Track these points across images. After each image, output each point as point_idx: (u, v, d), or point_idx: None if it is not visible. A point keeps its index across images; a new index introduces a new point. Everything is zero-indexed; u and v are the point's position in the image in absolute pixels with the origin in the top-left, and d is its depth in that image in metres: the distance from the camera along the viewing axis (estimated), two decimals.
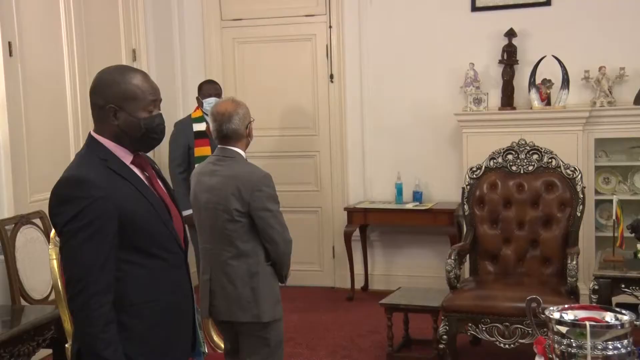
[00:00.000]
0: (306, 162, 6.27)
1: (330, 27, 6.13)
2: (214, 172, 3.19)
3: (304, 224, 6.17)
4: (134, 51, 5.77)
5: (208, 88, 5.23)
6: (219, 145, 3.26)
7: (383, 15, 5.98)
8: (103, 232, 2.06)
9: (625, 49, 5.32)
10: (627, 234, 4.24)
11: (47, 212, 2.20)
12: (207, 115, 4.94)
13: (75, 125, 5.02)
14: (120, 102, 2.15)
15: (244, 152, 3.26)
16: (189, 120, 5.23)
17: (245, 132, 3.22)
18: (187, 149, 5.11)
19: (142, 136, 2.20)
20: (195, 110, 5.28)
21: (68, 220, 2.05)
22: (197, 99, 5.27)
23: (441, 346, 4.20)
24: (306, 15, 6.18)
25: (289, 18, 6.18)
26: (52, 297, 4.07)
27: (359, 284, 6.12)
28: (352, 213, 5.91)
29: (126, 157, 2.20)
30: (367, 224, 6.04)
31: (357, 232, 6.01)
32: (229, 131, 3.17)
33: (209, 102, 5.01)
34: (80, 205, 2.04)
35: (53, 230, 3.02)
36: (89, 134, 2.22)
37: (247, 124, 3.22)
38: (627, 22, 5.35)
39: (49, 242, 2.86)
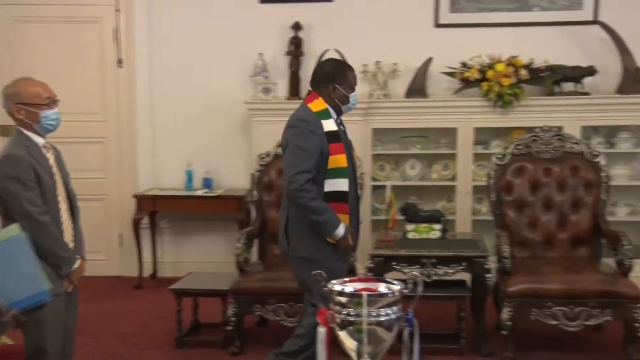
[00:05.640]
0: (94, 148, 6.10)
1: (117, 10, 5.99)
2: None
3: (90, 212, 5.94)
4: None
5: (353, 76, 3.64)
6: None
7: (173, 2, 5.98)
8: None
9: (398, 46, 5.77)
10: (398, 216, 4.65)
11: None
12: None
13: None
14: None
15: (28, 130, 3.20)
16: (313, 115, 3.51)
17: (13, 112, 3.18)
18: (322, 156, 3.48)
19: None
20: (314, 99, 3.57)
21: None
22: (334, 87, 3.56)
23: (229, 328, 4.35)
24: None
25: None
26: None
27: (147, 271, 6.09)
28: (142, 200, 5.86)
29: None
30: (156, 211, 6.02)
31: (146, 220, 5.97)
32: None
33: (355, 98, 3.65)
34: None
35: None
36: None
37: (10, 105, 3.18)
38: (400, 21, 5.80)
39: None
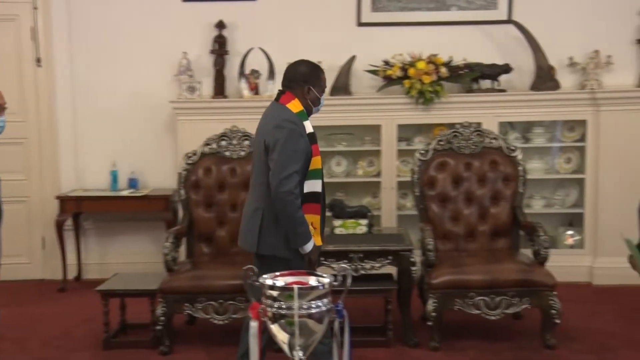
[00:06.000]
0: (13, 149, 5.93)
1: (35, 8, 5.85)
2: None
3: (11, 214, 5.75)
4: None
5: (324, 78, 3.64)
6: None
7: (93, 0, 5.89)
8: None
9: (322, 45, 5.81)
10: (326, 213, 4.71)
11: None
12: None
13: None
14: None
15: None
16: (296, 116, 3.46)
17: None
18: (307, 158, 3.45)
19: None
20: (291, 100, 3.50)
21: None
22: (309, 88, 3.52)
23: (158, 328, 4.33)
24: None
25: None
26: None
27: (71, 274, 5.98)
28: (65, 201, 5.75)
29: None
30: (80, 212, 5.92)
31: (70, 221, 5.87)
32: None
33: (323, 100, 3.65)
34: None
35: None
36: None
37: None
38: (323, 20, 5.88)
39: None
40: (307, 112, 3.53)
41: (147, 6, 5.89)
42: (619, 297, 5.31)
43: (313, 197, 3.45)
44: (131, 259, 5.93)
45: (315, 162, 3.45)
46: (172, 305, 4.32)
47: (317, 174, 3.47)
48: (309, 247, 3.44)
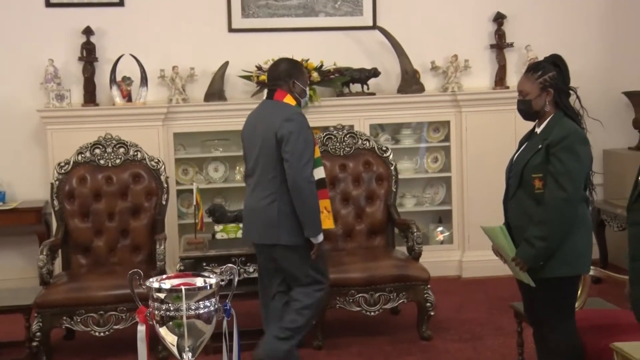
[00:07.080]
0: None
1: None
2: None
3: None
4: None
5: (305, 70, 4.11)
6: None
7: None
8: None
9: (194, 51, 5.83)
10: (206, 219, 4.73)
11: None
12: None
13: None
14: None
15: None
16: (297, 108, 3.83)
17: None
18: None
19: None
20: (285, 95, 3.78)
21: None
22: (294, 82, 3.81)
23: (34, 344, 4.19)
24: None
25: None
26: None
27: None
28: None
29: None
30: None
31: None
32: None
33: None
34: None
35: None
36: None
37: None
38: (195, 26, 5.86)
39: None
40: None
41: (6, 11, 5.65)
42: (486, 288, 5.63)
43: (322, 183, 3.77)
44: (1, 276, 5.65)
45: (317, 151, 3.76)
46: (48, 320, 4.19)
47: (319, 162, 3.77)
48: (321, 237, 3.71)
